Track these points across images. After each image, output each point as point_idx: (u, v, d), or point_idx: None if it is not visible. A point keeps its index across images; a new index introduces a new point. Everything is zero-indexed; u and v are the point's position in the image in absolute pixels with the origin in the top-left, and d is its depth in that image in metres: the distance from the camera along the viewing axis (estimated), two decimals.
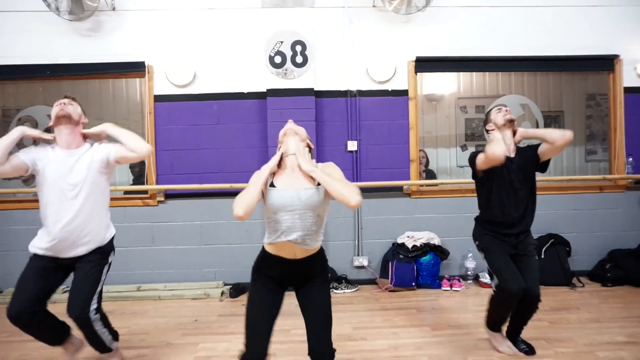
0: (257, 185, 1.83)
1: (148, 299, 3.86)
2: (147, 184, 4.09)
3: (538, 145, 2.54)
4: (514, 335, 2.65)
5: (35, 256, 2.28)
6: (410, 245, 4.03)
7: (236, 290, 3.91)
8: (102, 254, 2.35)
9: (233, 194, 4.32)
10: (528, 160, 2.54)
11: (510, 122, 2.56)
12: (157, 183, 4.07)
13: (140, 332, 3.11)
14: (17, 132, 2.23)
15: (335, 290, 3.94)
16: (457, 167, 5.41)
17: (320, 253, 1.95)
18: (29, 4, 3.97)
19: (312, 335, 1.85)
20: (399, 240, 4.09)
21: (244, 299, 3.64)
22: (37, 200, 2.29)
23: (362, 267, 4.16)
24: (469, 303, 3.61)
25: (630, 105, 4.25)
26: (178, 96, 4.08)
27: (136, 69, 4.02)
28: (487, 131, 2.63)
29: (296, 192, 1.83)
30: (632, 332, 2.90)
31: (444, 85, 5.32)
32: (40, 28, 4.01)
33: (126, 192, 4.37)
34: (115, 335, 2.44)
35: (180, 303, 3.77)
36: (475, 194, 2.72)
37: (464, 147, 5.51)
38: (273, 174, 1.94)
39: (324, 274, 1.96)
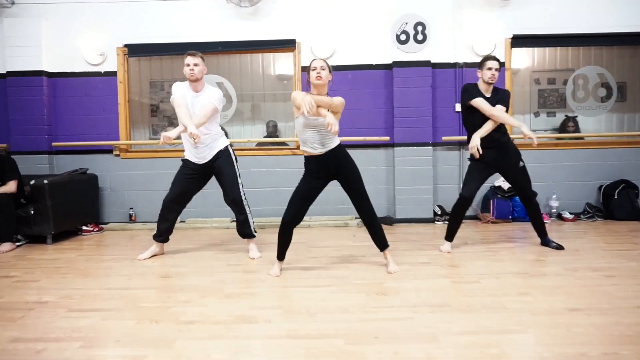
0: None
1: (300, 227, 4.93)
2: (295, 137, 5.15)
3: (508, 96, 3.62)
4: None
5: None
6: (506, 187, 5.02)
7: None
8: None
9: (363, 145, 5.45)
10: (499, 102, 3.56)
11: (490, 84, 3.57)
12: None
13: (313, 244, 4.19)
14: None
15: (447, 223, 4.96)
16: (531, 130, 6.31)
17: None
18: None
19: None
20: (496, 184, 5.08)
21: None
22: None
23: None
24: (552, 231, 4.55)
25: None
26: None
27: (288, 45, 5.05)
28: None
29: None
30: None
31: (521, 60, 6.19)
32: (211, 13, 5.07)
33: (259, 144, 5.48)
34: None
35: (326, 230, 4.82)
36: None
37: (536, 114, 6.40)
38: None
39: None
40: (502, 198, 4.97)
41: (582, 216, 5.06)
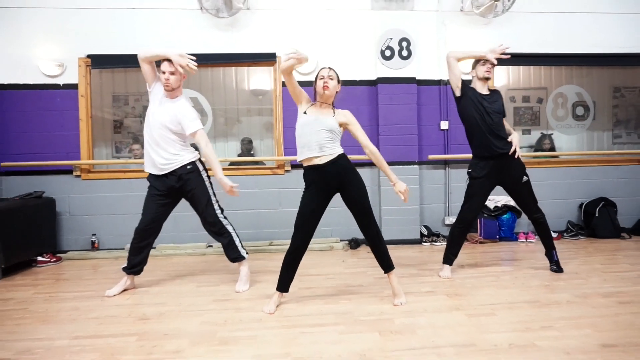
0: None
1: (280, 252, 4.61)
2: (276, 155, 4.86)
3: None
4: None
5: None
6: (492, 206, 4.93)
7: (355, 243, 4.72)
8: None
9: None
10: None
11: (486, 80, 3.41)
12: (284, 155, 4.84)
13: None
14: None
15: (434, 244, 4.81)
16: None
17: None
18: (181, 2, 4.68)
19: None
20: None
21: (362, 249, 4.52)
22: None
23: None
24: (540, 250, 4.49)
25: None
26: (301, 82, 4.80)
27: (268, 59, 4.78)
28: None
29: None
30: None
31: (497, 78, 6.22)
32: (185, 23, 4.73)
33: (232, 163, 5.19)
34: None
35: (311, 255, 4.52)
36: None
37: None
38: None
39: None
40: (489, 217, 4.88)
41: (565, 234, 5.06)
